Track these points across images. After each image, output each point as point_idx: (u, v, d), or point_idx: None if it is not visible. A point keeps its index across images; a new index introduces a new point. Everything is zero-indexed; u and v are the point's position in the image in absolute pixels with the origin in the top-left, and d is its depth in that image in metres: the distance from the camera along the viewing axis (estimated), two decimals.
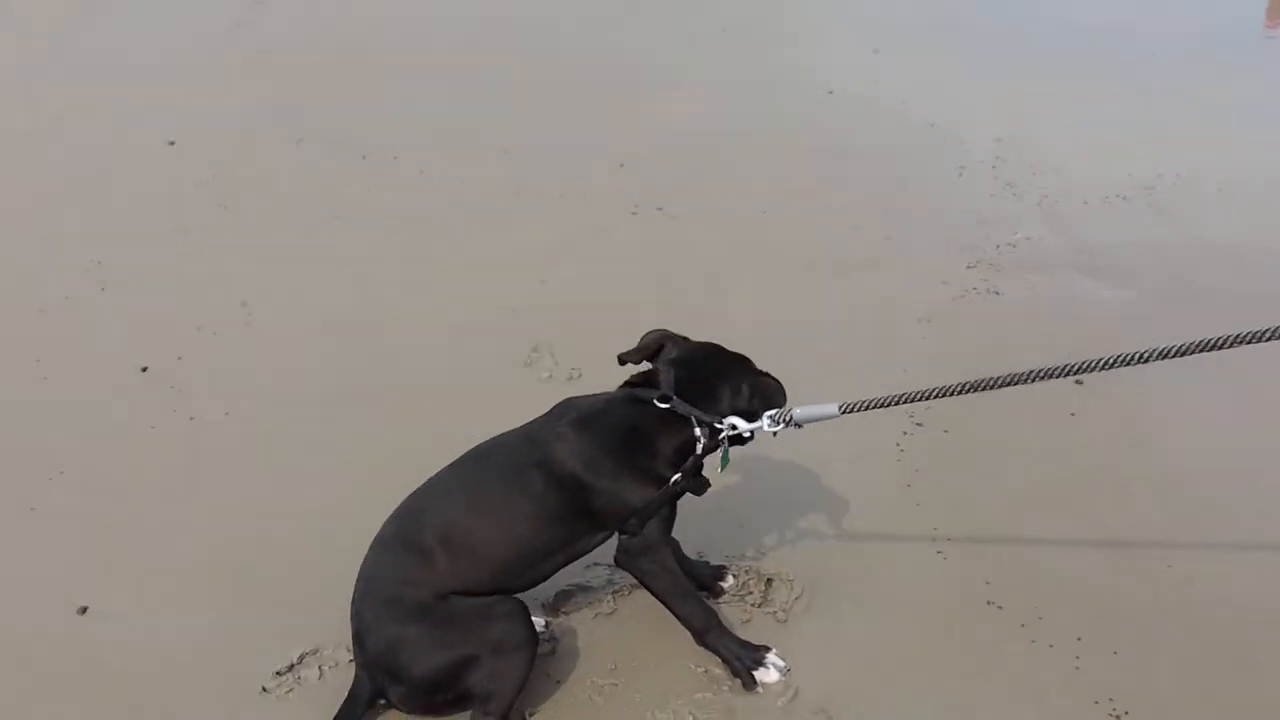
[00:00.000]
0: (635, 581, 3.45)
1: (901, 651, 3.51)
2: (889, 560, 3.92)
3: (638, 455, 3.25)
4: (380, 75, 8.84)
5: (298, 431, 4.59)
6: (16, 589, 3.77)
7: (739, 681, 3.34)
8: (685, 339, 3.47)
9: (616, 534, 3.32)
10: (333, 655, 3.43)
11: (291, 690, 3.34)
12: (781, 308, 5.55)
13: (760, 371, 3.44)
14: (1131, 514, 4.14)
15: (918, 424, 4.58)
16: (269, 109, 8.14)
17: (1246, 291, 5.64)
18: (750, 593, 3.71)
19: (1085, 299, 5.71)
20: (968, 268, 5.96)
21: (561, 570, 3.33)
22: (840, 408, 3.20)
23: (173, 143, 7.48)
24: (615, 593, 3.71)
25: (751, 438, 3.35)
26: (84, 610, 3.65)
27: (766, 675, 3.34)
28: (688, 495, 3.33)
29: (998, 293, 5.73)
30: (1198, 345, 2.75)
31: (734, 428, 3.28)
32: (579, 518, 3.23)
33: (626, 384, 3.41)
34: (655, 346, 3.43)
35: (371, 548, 3.25)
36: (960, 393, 3.06)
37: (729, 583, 3.74)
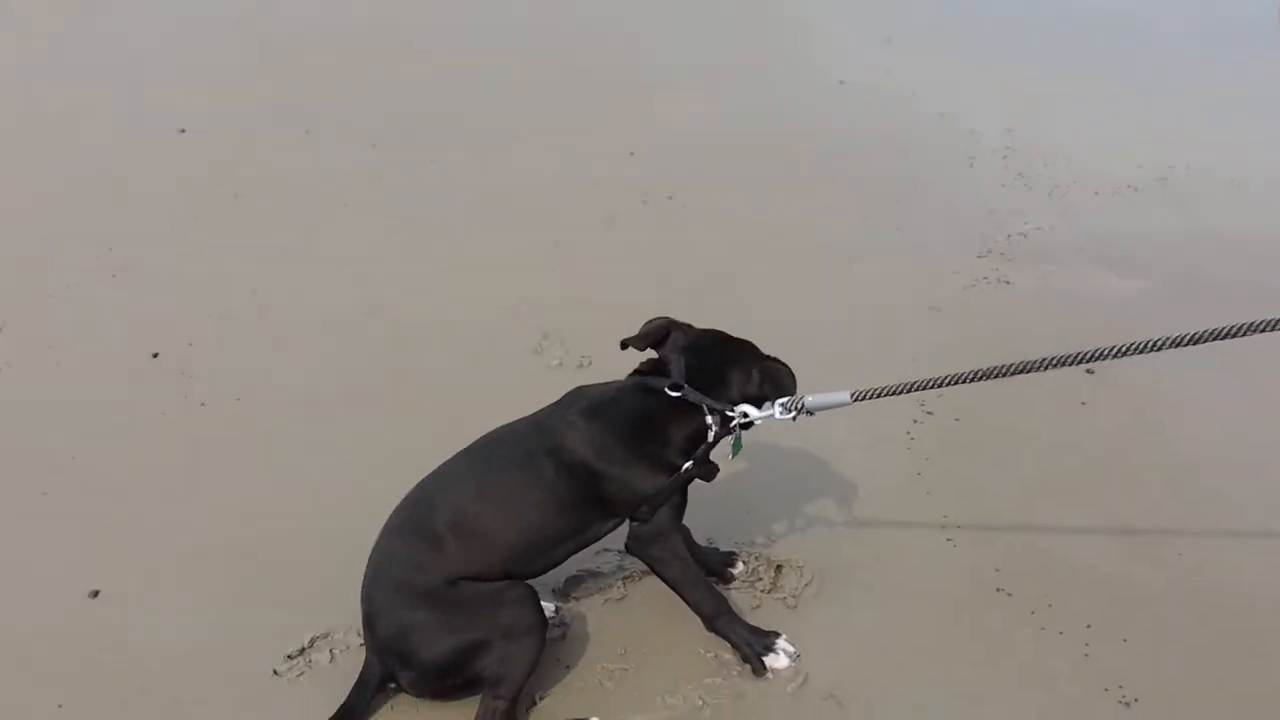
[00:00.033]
0: (645, 567, 3.45)
1: (911, 638, 3.52)
2: (899, 547, 3.92)
3: (649, 443, 3.25)
4: (390, 65, 8.82)
5: (309, 418, 4.59)
6: (28, 573, 3.78)
7: (749, 667, 3.35)
8: (689, 326, 3.47)
9: (627, 521, 3.32)
10: (343, 639, 3.43)
11: (302, 674, 3.34)
12: (792, 296, 5.54)
13: (767, 356, 3.44)
14: (1142, 502, 4.14)
15: (928, 412, 4.58)
16: (279, 98, 8.12)
17: (1257, 282, 5.63)
18: (760, 579, 3.71)
19: (1096, 289, 5.70)
20: (978, 257, 5.95)
21: (572, 556, 3.34)
22: (852, 395, 3.20)
23: (183, 131, 7.48)
24: (625, 578, 3.71)
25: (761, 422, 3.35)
26: (95, 594, 3.66)
27: (776, 661, 3.35)
28: (697, 481, 3.33)
29: (1008, 282, 5.72)
30: (1209, 334, 2.75)
31: (745, 415, 3.28)
32: (590, 505, 3.23)
33: (636, 372, 3.42)
34: (660, 333, 3.43)
35: (382, 533, 3.25)
36: (971, 380, 3.06)
37: (739, 569, 3.74)
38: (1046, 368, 2.97)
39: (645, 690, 3.30)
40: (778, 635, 3.41)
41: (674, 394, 3.23)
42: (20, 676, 3.37)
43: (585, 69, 8.72)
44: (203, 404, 4.67)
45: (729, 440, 3.37)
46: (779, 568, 3.75)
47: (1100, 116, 7.93)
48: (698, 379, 3.28)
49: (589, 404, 3.29)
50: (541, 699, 3.27)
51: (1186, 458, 4.40)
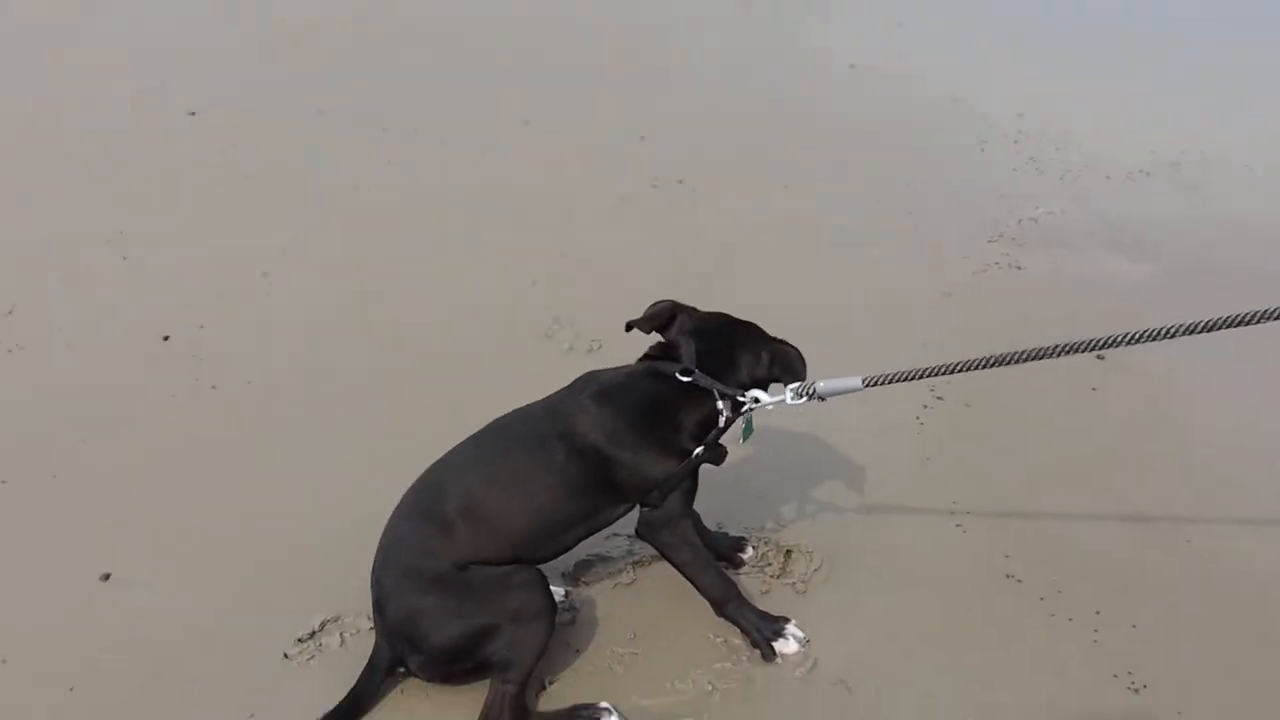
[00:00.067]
0: (655, 552, 3.46)
1: (920, 624, 3.52)
2: (908, 533, 3.92)
3: (660, 428, 3.25)
4: (400, 47, 8.82)
5: (319, 400, 4.59)
6: (40, 556, 3.78)
7: (758, 652, 3.35)
8: (694, 309, 3.46)
9: (638, 506, 3.32)
10: (354, 623, 3.44)
11: (313, 657, 3.35)
12: (802, 281, 5.53)
13: (775, 338, 3.43)
14: (1152, 489, 4.14)
15: (938, 398, 4.58)
16: (289, 80, 8.12)
17: (1271, 268, 5.63)
18: (769, 564, 3.71)
19: (1108, 274, 5.69)
20: (989, 242, 5.94)
21: (582, 541, 3.34)
22: (863, 381, 3.19)
23: (194, 113, 7.48)
24: (635, 563, 3.71)
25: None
26: (107, 577, 3.66)
27: (785, 646, 3.35)
28: (707, 465, 3.33)
29: (1019, 267, 5.71)
30: (1222, 322, 2.73)
31: (757, 400, 3.28)
32: (601, 490, 3.23)
33: (646, 356, 3.41)
34: (665, 315, 3.42)
35: (392, 517, 3.25)
36: (983, 367, 3.05)
37: (748, 554, 3.74)
38: (1057, 355, 2.95)
39: (654, 675, 3.30)
40: (787, 620, 3.41)
41: (685, 379, 3.23)
42: (32, 660, 3.37)
43: (596, 53, 8.71)
44: (213, 387, 4.67)
45: (739, 424, 3.36)
46: (788, 553, 3.75)
47: (1112, 101, 7.92)
48: (707, 363, 3.27)
49: (600, 388, 3.28)
50: (551, 683, 3.27)
51: (1198, 444, 4.40)
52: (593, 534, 3.32)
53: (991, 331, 4.95)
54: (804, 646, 3.37)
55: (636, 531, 3.37)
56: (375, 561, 3.19)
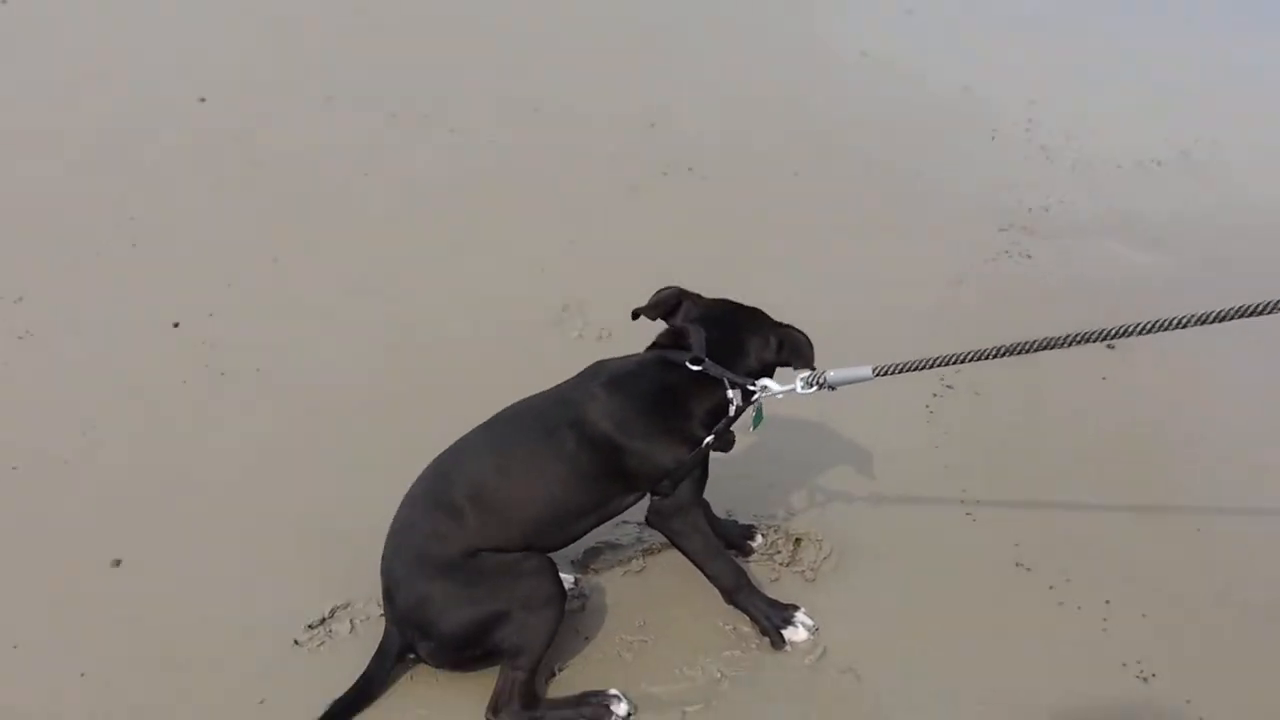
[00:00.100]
0: (664, 539, 3.46)
1: (930, 612, 3.53)
2: (918, 521, 3.92)
3: (670, 417, 3.24)
4: (409, 33, 8.80)
5: (328, 388, 4.59)
6: (50, 542, 3.79)
7: (767, 640, 3.36)
8: (699, 296, 3.46)
9: (648, 494, 3.32)
10: (364, 610, 3.45)
11: (323, 644, 3.36)
12: (812, 269, 5.52)
13: (781, 323, 3.43)
14: (1162, 479, 4.14)
15: (948, 386, 4.57)
16: (299, 67, 8.10)
17: None
18: (779, 552, 3.72)
19: (1118, 263, 5.68)
20: (1000, 231, 5.93)
21: (592, 530, 3.34)
22: (874, 370, 3.19)
23: (203, 100, 7.47)
24: (644, 550, 3.72)
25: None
26: (118, 563, 3.68)
27: (795, 634, 3.36)
28: (717, 454, 3.33)
29: (1030, 256, 5.70)
30: (1233, 312, 2.72)
31: (766, 389, 3.28)
32: (611, 479, 3.23)
33: (655, 345, 3.41)
34: (671, 302, 3.42)
35: (402, 505, 3.26)
36: (993, 356, 3.04)
37: (758, 542, 3.75)
38: (1069, 344, 2.95)
39: (664, 662, 3.32)
40: (796, 608, 3.41)
41: (695, 368, 3.23)
42: (43, 645, 3.39)
43: (607, 40, 8.68)
44: (223, 373, 4.67)
45: (750, 412, 3.36)
46: (798, 541, 3.75)
47: (1123, 90, 7.89)
48: (717, 350, 3.26)
49: (610, 377, 3.28)
50: (560, 670, 3.29)
51: (1209, 434, 4.39)
52: (603, 522, 3.33)
53: (1001, 320, 4.94)
54: (813, 634, 3.38)
55: (647, 519, 3.38)
56: (385, 548, 3.20)
